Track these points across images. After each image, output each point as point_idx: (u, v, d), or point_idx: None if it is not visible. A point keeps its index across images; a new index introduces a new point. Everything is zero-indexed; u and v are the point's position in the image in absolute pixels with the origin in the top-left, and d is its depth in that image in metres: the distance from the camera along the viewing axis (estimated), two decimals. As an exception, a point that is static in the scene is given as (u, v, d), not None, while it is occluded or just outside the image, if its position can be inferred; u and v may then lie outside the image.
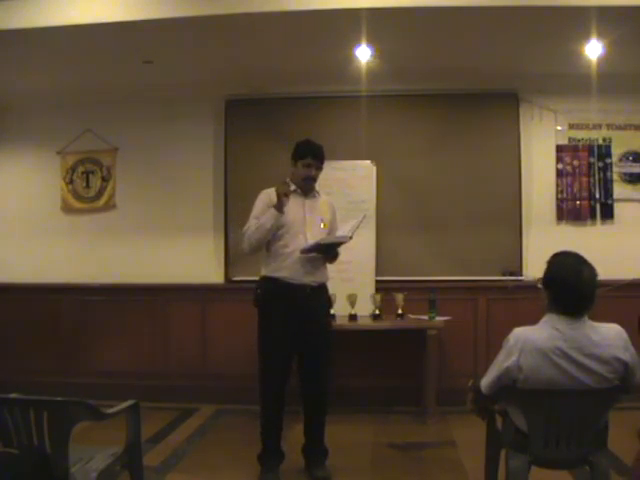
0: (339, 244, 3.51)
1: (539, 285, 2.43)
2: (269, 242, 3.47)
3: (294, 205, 3.51)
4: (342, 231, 3.54)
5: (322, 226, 3.55)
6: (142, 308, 5.39)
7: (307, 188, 3.56)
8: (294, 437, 4.22)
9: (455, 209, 5.16)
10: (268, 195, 3.52)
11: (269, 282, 3.47)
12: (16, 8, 3.98)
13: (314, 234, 3.48)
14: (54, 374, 5.28)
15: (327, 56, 4.56)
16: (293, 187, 3.53)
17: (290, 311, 3.41)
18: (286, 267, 3.42)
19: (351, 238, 3.48)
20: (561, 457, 2.41)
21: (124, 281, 5.40)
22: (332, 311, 4.59)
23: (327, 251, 3.50)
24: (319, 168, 3.55)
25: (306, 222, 3.49)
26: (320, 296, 3.55)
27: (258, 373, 3.54)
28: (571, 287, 2.30)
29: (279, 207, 3.39)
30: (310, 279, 3.46)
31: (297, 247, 3.42)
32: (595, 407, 2.35)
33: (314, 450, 3.61)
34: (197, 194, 5.48)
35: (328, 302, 3.68)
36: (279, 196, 3.39)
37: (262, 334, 3.51)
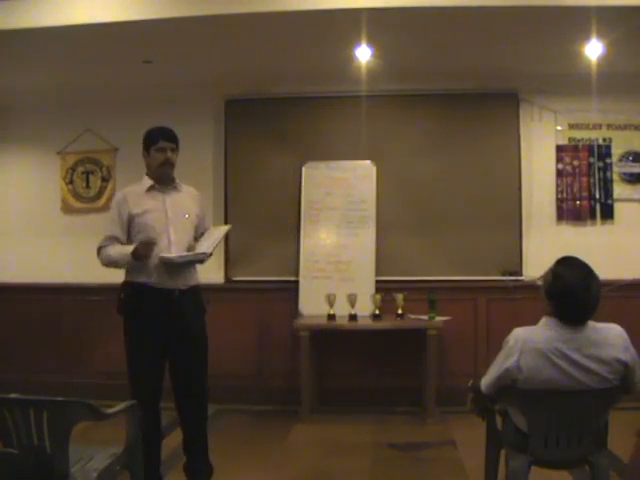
0: (198, 262, 3.21)
1: (538, 282, 2.42)
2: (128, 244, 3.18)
3: (153, 203, 3.18)
4: (203, 247, 3.22)
5: (187, 220, 3.26)
6: (142, 308, 5.38)
7: (165, 177, 3.21)
8: (294, 437, 4.23)
9: (455, 209, 5.16)
10: (120, 202, 3.21)
11: (132, 288, 3.17)
12: (16, 8, 3.97)
13: (178, 232, 3.18)
14: (54, 374, 5.27)
15: (327, 56, 4.55)
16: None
17: (158, 318, 3.11)
18: (150, 271, 3.11)
19: (211, 254, 3.20)
20: (561, 457, 2.41)
21: (124, 281, 5.39)
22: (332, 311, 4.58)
23: (184, 266, 3.17)
24: (174, 150, 3.20)
25: (169, 221, 3.16)
26: (190, 300, 3.22)
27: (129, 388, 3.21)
28: (578, 304, 2.28)
29: (137, 257, 3.07)
30: (179, 282, 3.15)
31: (161, 249, 3.11)
32: (595, 407, 2.35)
33: (197, 469, 3.31)
34: (197, 194, 5.46)
35: (200, 306, 3.32)
36: (140, 255, 3.06)
37: (129, 347, 3.19)
